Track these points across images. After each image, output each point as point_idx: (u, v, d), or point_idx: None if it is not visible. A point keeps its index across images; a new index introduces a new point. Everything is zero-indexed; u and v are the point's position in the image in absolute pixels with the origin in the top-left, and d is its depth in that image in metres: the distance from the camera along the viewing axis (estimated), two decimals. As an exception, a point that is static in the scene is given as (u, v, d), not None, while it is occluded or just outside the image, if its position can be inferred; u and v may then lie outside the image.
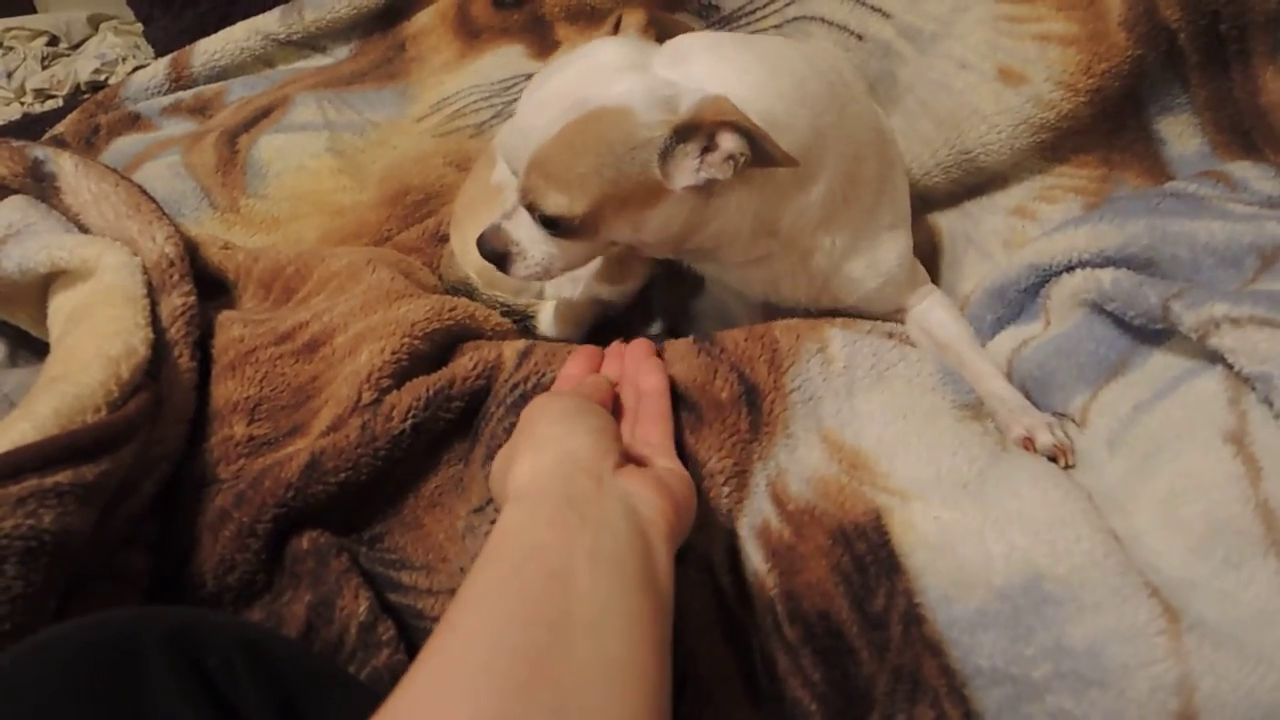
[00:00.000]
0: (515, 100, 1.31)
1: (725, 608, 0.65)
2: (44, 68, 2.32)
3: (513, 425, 0.71)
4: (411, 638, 0.68)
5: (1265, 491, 0.55)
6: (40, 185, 0.92)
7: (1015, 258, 0.85)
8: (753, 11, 1.25)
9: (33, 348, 0.95)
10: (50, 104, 2.16)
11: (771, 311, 0.90)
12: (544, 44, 1.39)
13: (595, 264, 0.91)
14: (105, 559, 0.67)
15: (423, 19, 1.48)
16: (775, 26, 1.22)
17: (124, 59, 2.25)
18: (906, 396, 0.74)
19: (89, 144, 1.36)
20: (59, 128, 1.43)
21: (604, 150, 0.70)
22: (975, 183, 1.04)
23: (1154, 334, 0.70)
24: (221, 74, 1.51)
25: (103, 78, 2.19)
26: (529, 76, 1.31)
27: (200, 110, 1.42)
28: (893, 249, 0.87)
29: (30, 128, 1.62)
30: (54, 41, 2.43)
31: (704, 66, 0.73)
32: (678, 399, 0.72)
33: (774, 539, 0.65)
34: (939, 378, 0.76)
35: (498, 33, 1.43)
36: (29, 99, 2.22)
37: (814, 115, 0.75)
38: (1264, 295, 0.64)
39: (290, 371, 0.79)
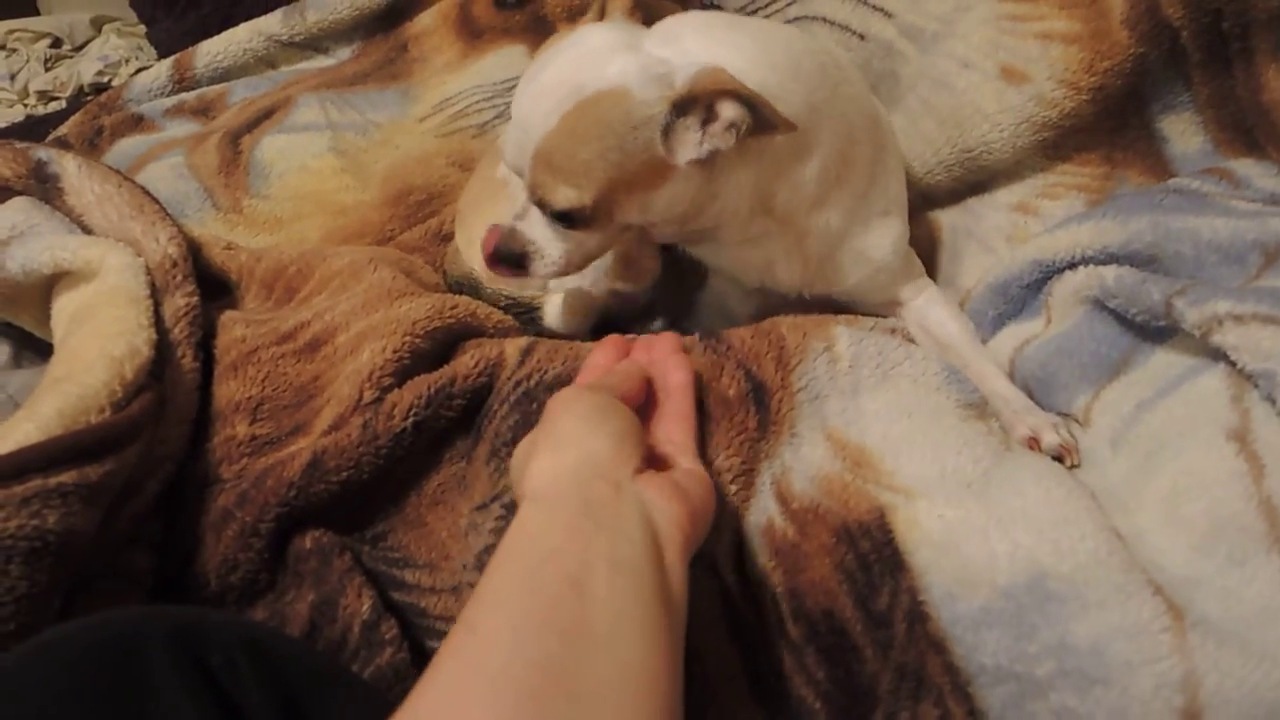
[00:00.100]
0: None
1: (730, 606, 0.65)
2: (47, 69, 2.32)
3: (517, 423, 0.72)
4: (415, 636, 0.68)
5: (1268, 489, 0.55)
6: (44, 186, 0.92)
7: (1019, 253, 0.85)
8: (754, 11, 1.25)
9: (37, 349, 0.95)
10: (53, 106, 2.16)
11: (767, 306, 0.90)
12: (546, 44, 1.39)
13: (606, 257, 0.91)
14: (109, 558, 0.67)
15: (425, 20, 1.49)
16: (777, 26, 1.22)
17: (127, 60, 2.26)
18: (911, 395, 0.74)
19: (92, 145, 1.36)
20: (62, 129, 1.43)
21: (606, 134, 0.70)
22: (977, 180, 1.04)
23: (1156, 332, 0.70)
24: (224, 75, 1.51)
25: (106, 79, 2.20)
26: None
27: (203, 111, 1.43)
28: (887, 235, 0.88)
29: (33, 129, 1.62)
30: (57, 43, 2.44)
31: (696, 44, 0.73)
32: None
33: (778, 537, 0.65)
34: (944, 377, 0.76)
35: (500, 33, 1.44)
36: (32, 101, 2.23)
37: (808, 90, 0.75)
38: (1267, 292, 0.64)
39: (292, 371, 0.79)
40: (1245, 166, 0.88)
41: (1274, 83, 0.91)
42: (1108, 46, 0.92)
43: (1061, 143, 0.97)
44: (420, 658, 0.67)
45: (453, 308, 0.82)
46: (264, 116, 1.32)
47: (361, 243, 1.18)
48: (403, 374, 0.76)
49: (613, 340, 0.76)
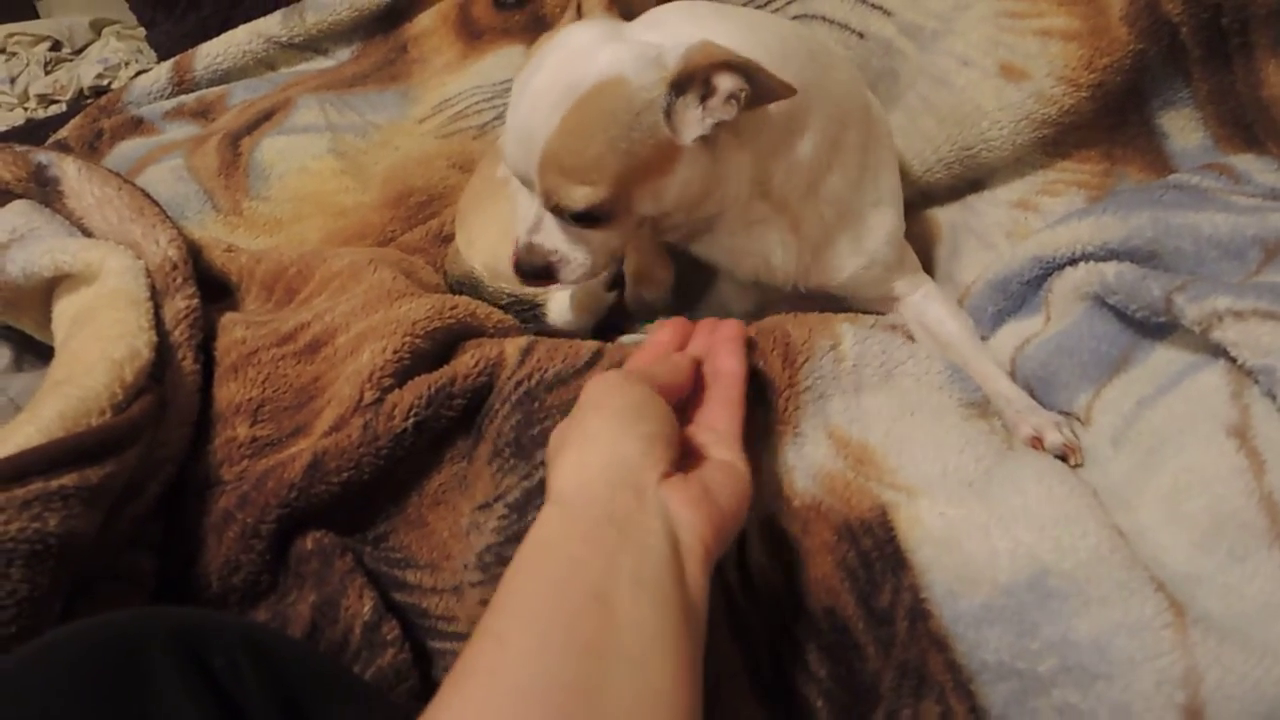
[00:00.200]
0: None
1: (732, 603, 0.65)
2: (47, 73, 2.33)
3: (518, 422, 0.72)
4: (416, 637, 0.68)
5: (1269, 485, 0.55)
6: (44, 190, 0.92)
7: (1019, 249, 0.85)
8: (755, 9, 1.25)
9: (38, 352, 0.96)
10: (53, 109, 2.17)
11: (764, 302, 0.90)
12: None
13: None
14: (111, 560, 0.68)
15: (424, 20, 1.49)
16: (776, 25, 1.22)
17: (126, 63, 2.27)
18: (914, 394, 0.74)
19: (92, 148, 1.37)
20: (62, 132, 1.43)
21: (610, 124, 0.69)
22: (977, 178, 1.04)
23: (1156, 328, 0.70)
24: (224, 77, 1.51)
25: (105, 82, 2.20)
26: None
27: (203, 114, 1.43)
28: (880, 227, 0.87)
29: (34, 133, 1.63)
30: (57, 46, 2.44)
31: (683, 29, 0.72)
32: None
33: (780, 535, 0.65)
34: (946, 376, 0.76)
35: (499, 34, 1.44)
36: (32, 104, 2.23)
37: (797, 70, 0.74)
38: (1267, 288, 0.64)
39: (292, 372, 0.79)
40: (1245, 162, 0.88)
41: (1273, 78, 0.91)
42: (1107, 43, 0.92)
43: (1061, 139, 0.97)
44: (421, 658, 0.67)
45: (453, 308, 0.82)
46: (263, 118, 1.32)
47: (362, 244, 1.18)
48: (403, 374, 0.76)
49: (677, 322, 0.75)
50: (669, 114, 0.70)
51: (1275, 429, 0.58)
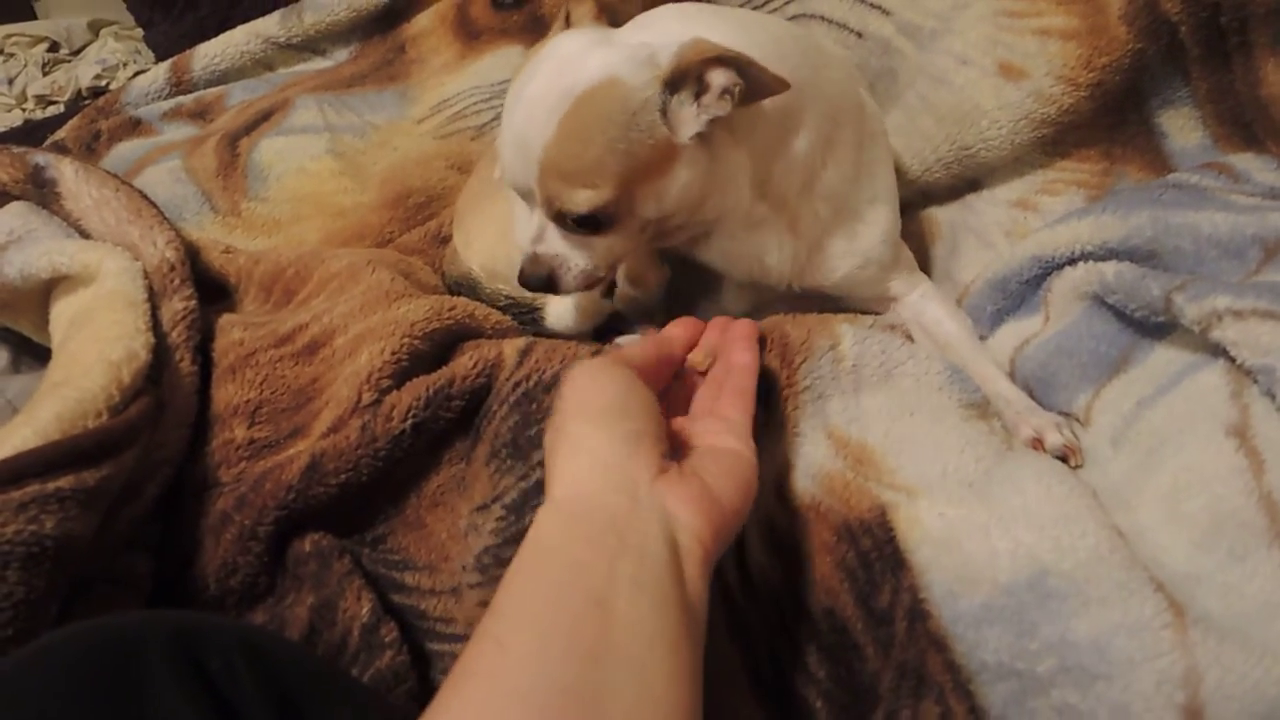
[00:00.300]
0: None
1: (731, 604, 0.65)
2: (45, 74, 2.33)
3: (516, 424, 0.72)
4: (414, 638, 0.68)
5: (1268, 484, 0.55)
6: (41, 191, 0.92)
7: (1018, 249, 0.85)
8: (753, 10, 1.25)
9: (36, 354, 0.96)
10: (52, 110, 2.17)
11: (760, 303, 0.90)
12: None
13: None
14: (108, 562, 0.68)
15: (422, 21, 1.49)
16: (774, 24, 1.22)
17: (124, 64, 2.26)
18: (914, 395, 0.73)
19: (90, 150, 1.36)
20: (60, 133, 1.43)
21: (608, 126, 0.69)
22: (976, 177, 1.04)
23: (1155, 328, 0.70)
24: (222, 78, 1.51)
25: (104, 83, 2.20)
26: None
27: (201, 114, 1.43)
28: (876, 225, 0.87)
29: (32, 134, 1.62)
30: (55, 47, 2.44)
31: (673, 29, 0.72)
32: None
33: (780, 535, 0.65)
34: (946, 376, 0.76)
35: (497, 34, 1.43)
36: (30, 105, 2.23)
37: (791, 68, 0.74)
38: (1266, 287, 0.63)
39: (290, 374, 0.79)
40: (1244, 161, 0.88)
41: (1272, 77, 0.91)
42: (1106, 42, 0.92)
43: (1060, 139, 0.97)
44: (420, 660, 0.67)
45: (451, 309, 0.82)
46: (262, 119, 1.32)
47: (360, 245, 1.18)
48: (401, 376, 0.76)
49: (688, 320, 0.75)
50: (665, 112, 0.70)
51: (1275, 428, 0.57)
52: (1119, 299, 0.71)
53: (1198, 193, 0.82)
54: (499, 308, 0.94)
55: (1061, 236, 0.80)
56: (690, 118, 0.71)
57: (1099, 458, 0.68)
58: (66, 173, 0.92)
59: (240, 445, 0.75)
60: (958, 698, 0.55)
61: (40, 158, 0.94)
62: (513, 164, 0.74)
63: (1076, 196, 0.96)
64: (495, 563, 0.67)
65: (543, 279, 0.78)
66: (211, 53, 1.51)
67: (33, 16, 2.72)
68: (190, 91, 1.50)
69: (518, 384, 0.75)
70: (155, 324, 0.78)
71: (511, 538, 0.67)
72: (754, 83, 0.69)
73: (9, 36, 2.42)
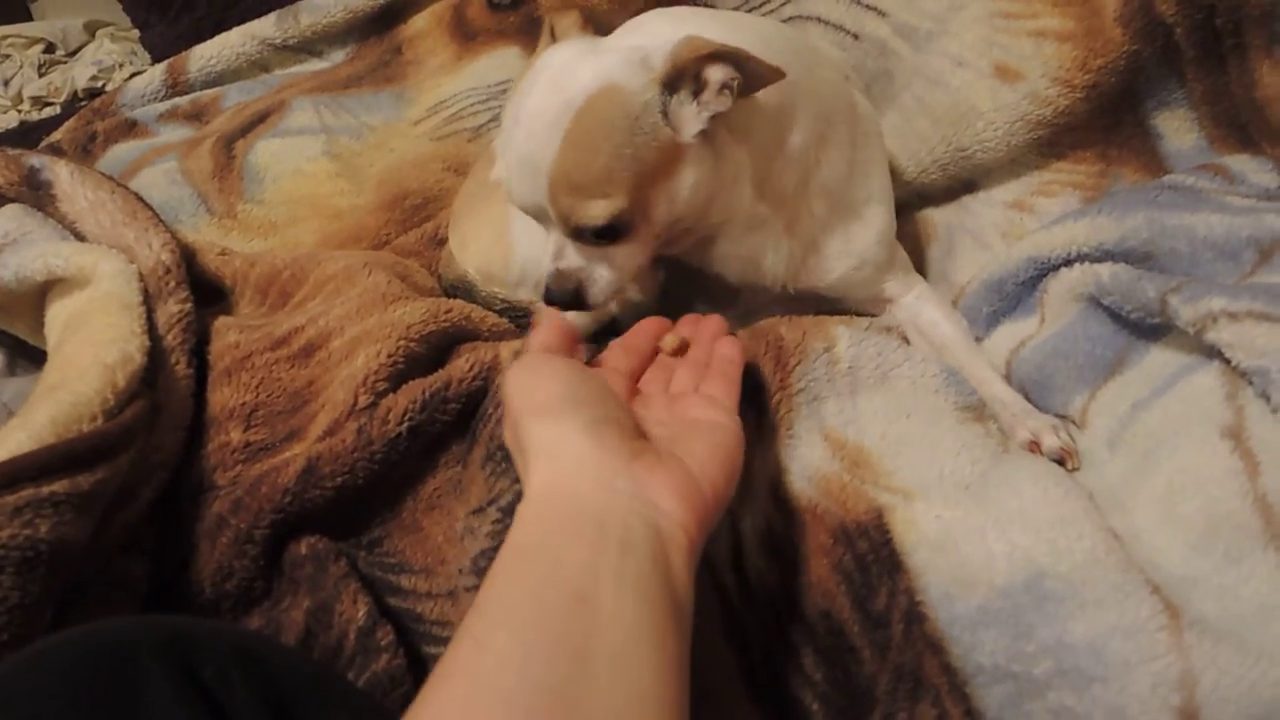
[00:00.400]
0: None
1: (728, 606, 0.65)
2: (41, 75, 2.32)
3: (511, 427, 0.72)
4: (410, 642, 0.68)
5: (1263, 486, 0.55)
6: (36, 194, 0.92)
7: (1014, 250, 0.85)
8: (749, 12, 1.25)
9: (31, 356, 0.95)
10: (48, 111, 2.16)
11: (754, 305, 0.90)
12: (539, 46, 1.39)
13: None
14: (103, 566, 0.67)
15: (418, 22, 1.48)
16: (771, 26, 1.22)
17: (120, 65, 2.26)
18: (910, 397, 0.73)
19: (86, 151, 1.36)
20: (56, 135, 1.43)
21: (613, 133, 0.69)
22: (972, 178, 1.04)
23: (1150, 330, 0.70)
24: (218, 79, 1.51)
25: (100, 84, 2.20)
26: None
27: (197, 116, 1.42)
28: (871, 226, 0.87)
29: (28, 135, 1.62)
30: (51, 49, 2.44)
31: (663, 31, 0.72)
32: None
33: (776, 537, 0.65)
34: (942, 379, 0.76)
35: (494, 35, 1.43)
36: (26, 107, 2.22)
37: (783, 64, 0.74)
38: (1262, 289, 0.64)
39: (286, 376, 0.79)
40: (1240, 162, 0.89)
41: (1267, 78, 0.91)
42: (1101, 44, 0.92)
43: (1056, 140, 0.97)
44: (416, 663, 0.67)
45: (447, 312, 0.82)
46: (258, 120, 1.31)
47: (357, 247, 1.18)
48: (397, 378, 0.75)
49: (656, 318, 0.75)
50: (665, 114, 0.70)
51: (1270, 430, 0.57)
52: (1114, 301, 0.71)
53: (1193, 194, 0.82)
54: (495, 311, 0.94)
55: (1057, 238, 0.80)
56: (691, 116, 0.70)
57: (1095, 460, 0.68)
58: (62, 175, 0.92)
59: (236, 448, 0.75)
60: (954, 700, 0.55)
61: (35, 160, 0.93)
62: (521, 185, 0.73)
63: (1072, 198, 0.96)
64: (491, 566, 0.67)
65: (570, 293, 0.77)
66: (208, 54, 1.51)
67: (28, 18, 2.71)
68: (186, 93, 1.49)
69: (514, 386, 0.74)
70: (151, 327, 0.78)
71: (508, 541, 0.67)
72: (750, 75, 0.69)
73: (5, 38, 2.42)
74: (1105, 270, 0.74)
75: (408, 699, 0.64)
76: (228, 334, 0.82)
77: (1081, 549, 0.55)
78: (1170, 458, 0.61)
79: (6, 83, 2.29)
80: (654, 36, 0.71)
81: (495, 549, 0.67)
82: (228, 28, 1.54)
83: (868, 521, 0.63)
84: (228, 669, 0.47)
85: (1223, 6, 0.90)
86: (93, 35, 2.49)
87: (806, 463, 0.68)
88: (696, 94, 0.70)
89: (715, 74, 0.69)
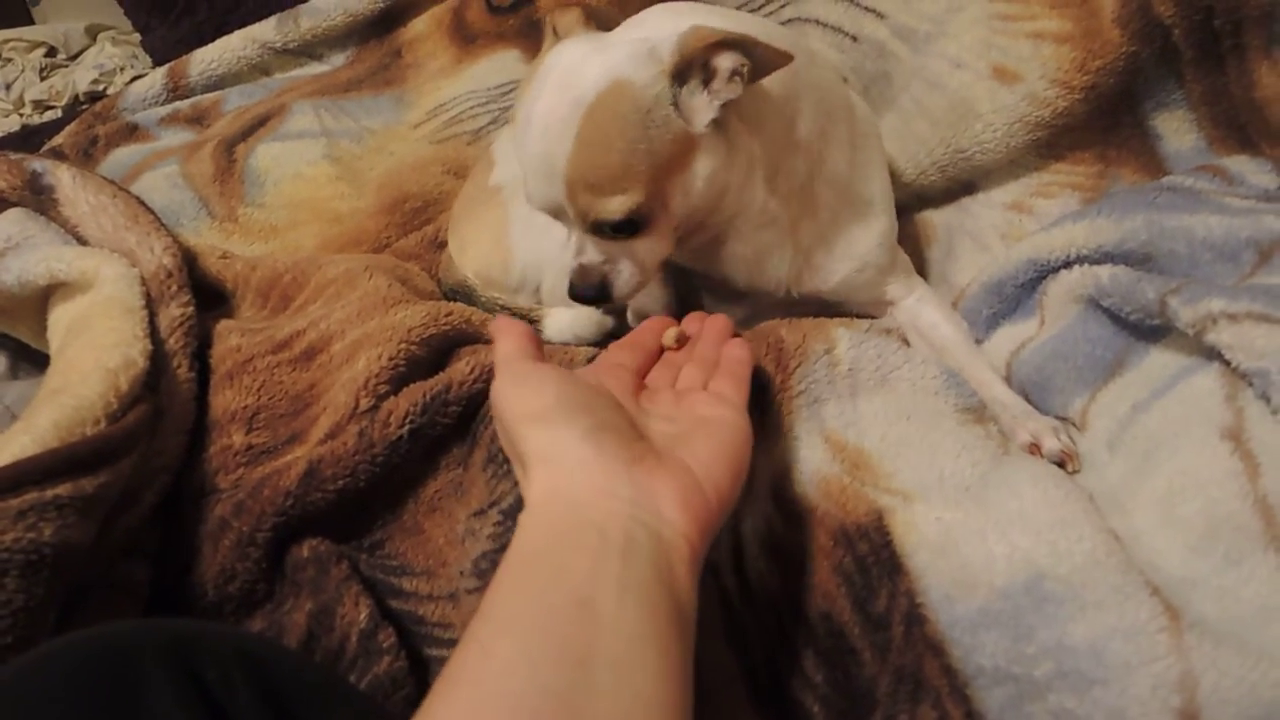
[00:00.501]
0: (511, 106, 1.32)
1: (729, 609, 0.65)
2: (42, 79, 2.32)
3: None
4: (412, 644, 0.68)
5: (1264, 487, 0.55)
6: (38, 198, 0.92)
7: (1014, 252, 0.85)
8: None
9: (34, 360, 0.96)
10: (49, 115, 2.16)
11: (758, 309, 0.90)
12: (539, 48, 1.39)
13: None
14: (106, 570, 0.67)
15: (418, 25, 1.49)
16: (770, 28, 1.22)
17: (122, 69, 2.26)
18: (910, 399, 0.74)
19: (87, 155, 1.36)
20: (57, 139, 1.43)
21: (626, 127, 0.69)
22: (971, 180, 1.04)
23: (1150, 331, 0.70)
24: (219, 83, 1.51)
25: (101, 88, 2.20)
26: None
27: (198, 120, 1.43)
28: (873, 229, 0.88)
29: (29, 139, 1.62)
30: (52, 52, 2.44)
31: (665, 26, 0.72)
32: None
33: (777, 539, 0.65)
34: (942, 381, 0.76)
35: (493, 38, 1.44)
36: (27, 110, 2.22)
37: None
38: (1261, 290, 0.64)
39: (288, 379, 0.79)
40: (1239, 163, 0.89)
41: (1266, 79, 0.91)
42: (1099, 45, 0.92)
43: (1055, 141, 0.97)
44: (418, 665, 0.67)
45: (447, 315, 0.83)
46: (258, 124, 1.32)
47: (357, 250, 1.18)
48: (398, 381, 0.76)
49: (661, 318, 0.76)
50: (676, 105, 0.70)
51: (1269, 432, 0.57)
52: (1114, 302, 0.71)
53: (1192, 195, 0.82)
54: (495, 315, 0.94)
55: (1056, 240, 0.80)
56: (703, 105, 0.71)
57: (1095, 462, 0.68)
58: (64, 179, 0.92)
59: (238, 451, 0.75)
60: (955, 702, 0.56)
61: (37, 164, 0.94)
62: (538, 186, 0.73)
63: (1071, 199, 0.96)
64: (493, 568, 0.66)
65: (595, 287, 0.77)
66: (208, 58, 1.51)
67: (30, 21, 2.71)
68: (187, 97, 1.50)
69: (515, 389, 0.75)
70: (153, 330, 0.78)
71: (509, 543, 0.67)
72: (759, 60, 0.69)
73: (6, 41, 2.42)
74: (1104, 272, 0.74)
75: (409, 701, 0.64)
76: (229, 337, 0.82)
77: (1081, 551, 0.55)
78: (1170, 459, 0.61)
79: (8, 86, 2.29)
80: (657, 30, 0.72)
81: (496, 551, 0.67)
82: (228, 31, 1.55)
83: (868, 523, 0.63)
84: (230, 672, 0.47)
85: (1221, 7, 0.90)
86: (94, 39, 2.49)
87: (807, 465, 0.68)
88: (706, 83, 0.70)
89: (724, 62, 0.69)
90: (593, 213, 0.72)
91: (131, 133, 1.40)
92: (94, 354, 0.72)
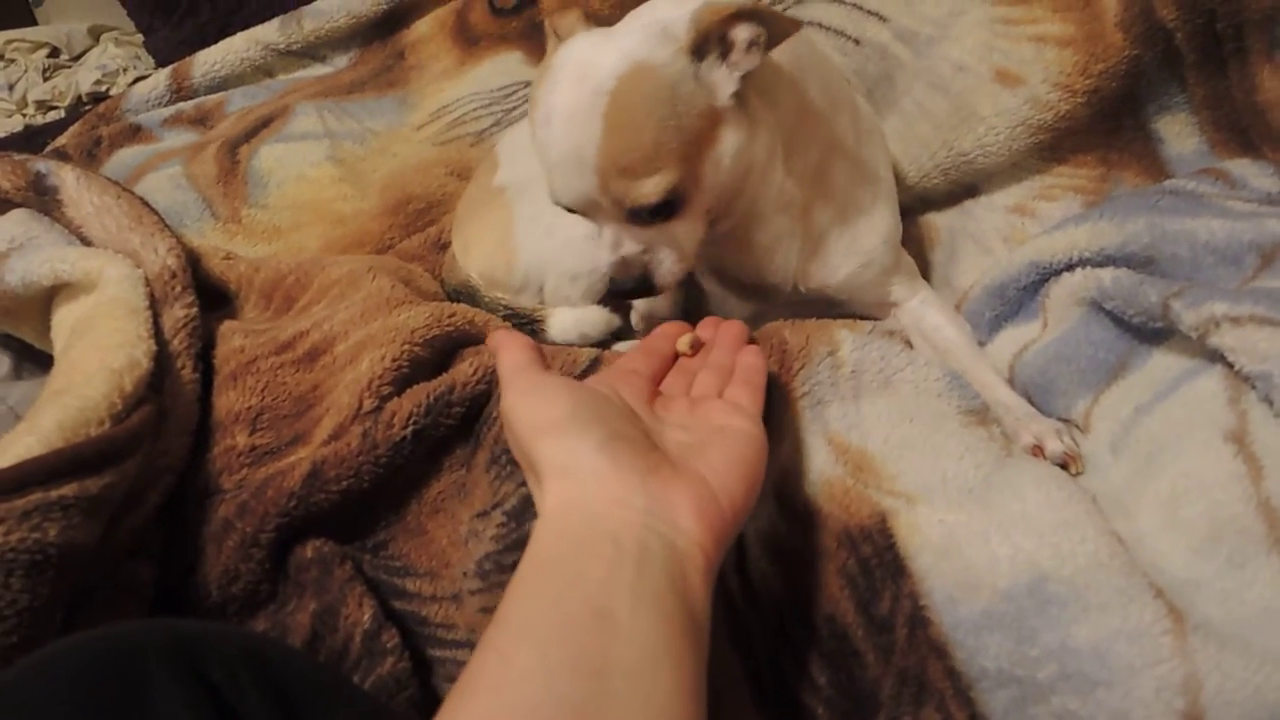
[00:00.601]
0: (514, 108, 1.32)
1: (732, 610, 0.65)
2: (45, 79, 2.32)
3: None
4: (415, 645, 0.68)
5: (1267, 490, 0.55)
6: (42, 199, 0.92)
7: (1016, 255, 0.86)
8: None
9: (38, 360, 0.96)
10: (52, 115, 2.16)
11: (762, 309, 0.90)
12: (542, 50, 1.38)
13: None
14: (111, 570, 0.67)
15: (421, 27, 1.49)
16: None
17: (125, 70, 2.26)
18: (913, 401, 0.74)
19: (91, 156, 1.37)
20: (61, 140, 1.44)
21: (654, 106, 0.68)
22: (974, 183, 1.04)
23: (1153, 334, 0.70)
24: (222, 84, 1.52)
25: (104, 89, 2.20)
26: (528, 84, 1.32)
27: (201, 121, 1.43)
28: (877, 227, 0.88)
29: (32, 140, 1.62)
30: (55, 53, 2.44)
31: (672, 12, 0.72)
32: None
33: (780, 541, 0.65)
34: (945, 383, 0.76)
35: (496, 40, 1.44)
36: (31, 111, 2.23)
37: (789, 46, 0.75)
38: (1264, 293, 0.64)
39: (291, 380, 0.79)
40: (1241, 167, 0.89)
41: (1268, 83, 0.91)
42: (1102, 49, 0.92)
43: (1057, 145, 0.98)
44: (421, 666, 0.67)
45: (451, 316, 0.83)
46: (262, 125, 1.32)
47: (360, 252, 1.18)
48: (402, 382, 0.76)
49: (676, 322, 0.76)
50: (699, 81, 0.70)
51: (1273, 434, 0.58)
52: (1117, 305, 0.71)
53: (1194, 199, 0.83)
54: (499, 316, 0.94)
55: (1059, 242, 0.80)
56: (724, 78, 0.71)
57: (1098, 464, 0.68)
58: (68, 180, 0.92)
59: (242, 452, 0.75)
60: (958, 704, 0.56)
61: (41, 165, 0.94)
62: (566, 181, 0.72)
63: (1074, 202, 0.97)
64: (496, 569, 0.67)
65: (636, 279, 0.76)
66: (212, 59, 1.52)
67: (33, 22, 2.72)
68: (191, 98, 1.50)
69: (518, 391, 0.75)
70: (157, 331, 0.78)
71: (512, 544, 0.67)
72: (773, 27, 0.69)
73: (9, 42, 2.42)
74: (1107, 275, 0.74)
75: (413, 702, 0.64)
76: (233, 338, 0.82)
77: (1085, 553, 0.55)
78: (1173, 462, 0.61)
79: (11, 87, 2.29)
80: (664, 15, 0.72)
81: (500, 552, 0.67)
82: (231, 33, 1.55)
83: (871, 526, 0.63)
84: (236, 671, 0.47)
85: (1223, 11, 0.90)
86: (97, 40, 2.49)
87: (810, 467, 0.68)
88: (724, 56, 0.70)
89: (741, 32, 0.69)
90: (629, 198, 0.71)
91: (135, 134, 1.40)
92: (98, 355, 0.72)
